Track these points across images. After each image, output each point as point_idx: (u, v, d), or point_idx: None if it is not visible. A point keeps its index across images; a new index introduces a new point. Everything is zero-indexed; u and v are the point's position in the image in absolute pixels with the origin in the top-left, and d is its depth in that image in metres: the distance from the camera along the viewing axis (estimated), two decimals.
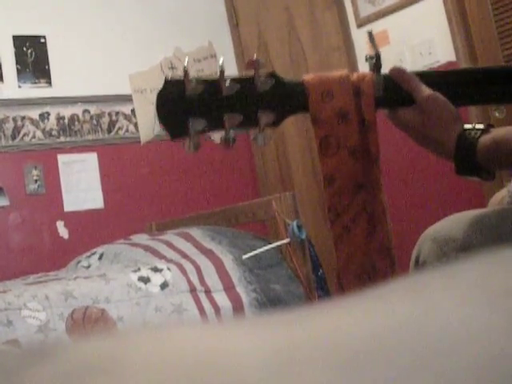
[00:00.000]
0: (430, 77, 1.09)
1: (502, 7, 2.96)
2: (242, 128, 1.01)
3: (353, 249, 1.05)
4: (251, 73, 1.01)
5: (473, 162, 1.02)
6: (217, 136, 1.03)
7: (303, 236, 2.53)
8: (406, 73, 1.08)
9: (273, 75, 1.02)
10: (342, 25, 3.53)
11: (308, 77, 1.06)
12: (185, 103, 0.99)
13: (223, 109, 1.00)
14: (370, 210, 1.06)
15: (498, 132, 1.03)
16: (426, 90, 1.06)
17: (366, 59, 1.09)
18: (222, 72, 1.00)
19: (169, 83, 1.00)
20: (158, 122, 3.61)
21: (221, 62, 1.00)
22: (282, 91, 1.03)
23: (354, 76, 1.08)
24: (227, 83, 1.00)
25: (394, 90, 1.08)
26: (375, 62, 1.07)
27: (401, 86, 1.07)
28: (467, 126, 1.04)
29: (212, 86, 1.00)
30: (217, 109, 1.00)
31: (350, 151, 1.05)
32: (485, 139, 1.02)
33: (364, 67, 1.12)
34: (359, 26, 3.46)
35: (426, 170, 3.21)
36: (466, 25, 3.05)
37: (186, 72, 0.99)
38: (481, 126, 1.04)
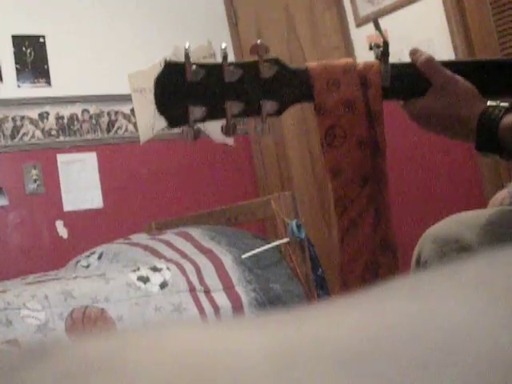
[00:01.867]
0: (448, 65, 1.07)
1: (501, 6, 2.96)
2: (244, 116, 0.97)
3: (359, 243, 1.02)
4: (254, 58, 0.96)
5: (494, 140, 1.00)
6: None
7: (302, 235, 2.53)
8: (427, 55, 1.05)
9: (277, 61, 0.98)
10: (341, 24, 3.54)
11: (312, 64, 1.02)
12: (185, 89, 0.93)
13: (225, 96, 0.95)
14: (376, 203, 1.03)
15: None
16: (448, 71, 1.04)
17: (371, 47, 1.05)
18: (224, 57, 0.95)
19: (168, 67, 0.94)
20: (157, 122, 3.61)
21: (223, 46, 0.95)
22: (285, 78, 0.98)
23: (361, 65, 1.04)
24: (230, 68, 0.95)
25: (401, 80, 1.05)
26: (382, 50, 1.04)
27: (416, 71, 1.04)
28: (491, 103, 1.02)
29: (214, 71, 0.95)
30: (218, 96, 0.95)
31: (357, 142, 1.01)
32: (508, 119, 0.99)
33: None
34: (358, 25, 3.46)
35: (427, 170, 3.21)
36: (465, 24, 3.05)
37: (187, 55, 0.93)
38: (505, 104, 1.01)
